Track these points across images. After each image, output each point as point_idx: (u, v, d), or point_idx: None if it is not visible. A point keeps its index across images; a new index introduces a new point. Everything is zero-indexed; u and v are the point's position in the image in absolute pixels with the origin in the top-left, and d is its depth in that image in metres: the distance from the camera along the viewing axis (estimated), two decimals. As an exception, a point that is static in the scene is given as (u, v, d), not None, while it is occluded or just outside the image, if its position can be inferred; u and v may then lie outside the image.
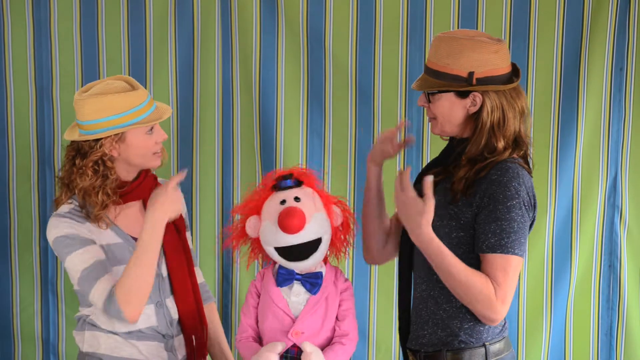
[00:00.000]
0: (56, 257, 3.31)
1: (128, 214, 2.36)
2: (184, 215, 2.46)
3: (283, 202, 2.16)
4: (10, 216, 3.31)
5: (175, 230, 2.38)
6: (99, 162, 2.26)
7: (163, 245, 2.30)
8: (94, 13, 3.19)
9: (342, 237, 2.25)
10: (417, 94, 3.15)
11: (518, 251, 2.04)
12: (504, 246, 2.02)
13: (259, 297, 2.26)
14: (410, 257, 2.25)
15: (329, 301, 2.19)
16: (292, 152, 3.22)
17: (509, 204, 2.02)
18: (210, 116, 3.23)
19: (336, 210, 2.22)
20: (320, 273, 2.20)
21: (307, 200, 2.17)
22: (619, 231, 3.22)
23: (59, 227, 2.27)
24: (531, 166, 2.20)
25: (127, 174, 2.34)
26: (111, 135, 2.24)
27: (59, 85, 3.23)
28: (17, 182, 3.29)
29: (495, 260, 2.03)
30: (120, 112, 2.22)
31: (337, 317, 2.21)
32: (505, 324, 2.20)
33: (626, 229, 3.23)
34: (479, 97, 2.11)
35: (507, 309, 2.06)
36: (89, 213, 2.28)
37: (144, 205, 2.33)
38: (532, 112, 3.09)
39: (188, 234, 2.51)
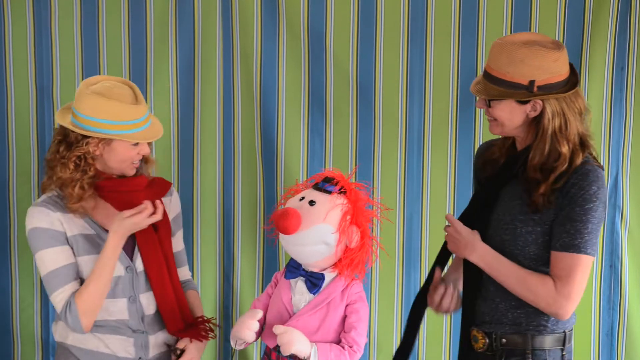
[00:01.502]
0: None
1: (107, 205, 2.41)
2: (172, 216, 2.52)
3: (302, 199, 2.17)
4: (10, 217, 3.30)
5: (153, 227, 2.41)
6: (82, 157, 2.32)
7: (136, 241, 2.38)
8: (94, 12, 3.18)
9: (355, 258, 2.20)
10: (418, 95, 3.16)
11: (590, 251, 2.15)
12: (576, 246, 2.13)
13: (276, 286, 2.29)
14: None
15: (330, 307, 2.18)
16: (293, 153, 3.22)
17: (586, 206, 2.12)
18: (211, 116, 3.22)
19: (353, 232, 2.17)
20: (323, 275, 2.19)
21: (321, 209, 2.15)
22: (620, 231, 3.22)
23: (34, 218, 2.34)
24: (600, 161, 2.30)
25: (103, 171, 2.40)
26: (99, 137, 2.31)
27: (60, 84, 3.22)
28: (17, 182, 3.28)
29: (565, 258, 2.14)
30: (115, 120, 2.29)
31: (343, 329, 2.21)
32: None
33: (627, 228, 3.23)
34: (539, 104, 2.17)
35: (575, 305, 2.18)
36: (65, 204, 2.34)
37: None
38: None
39: (178, 234, 2.58)
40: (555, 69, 2.15)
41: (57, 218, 2.33)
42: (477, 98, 2.28)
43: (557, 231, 2.16)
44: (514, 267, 2.21)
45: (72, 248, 2.35)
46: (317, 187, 2.20)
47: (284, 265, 2.32)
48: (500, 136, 2.39)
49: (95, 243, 2.36)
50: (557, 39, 3.13)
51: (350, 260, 2.18)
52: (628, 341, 3.25)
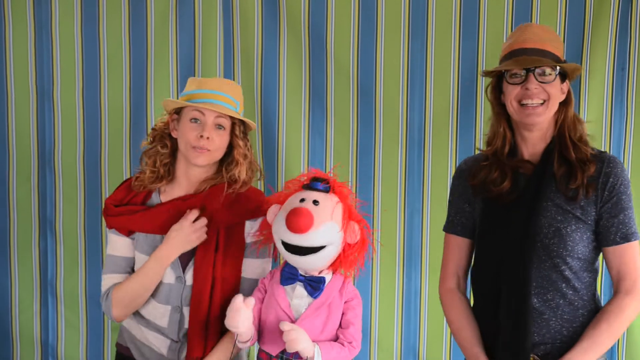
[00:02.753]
0: (56, 258, 3.30)
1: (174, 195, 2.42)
2: (249, 240, 2.39)
3: (302, 200, 2.15)
4: (10, 217, 3.30)
5: (215, 246, 2.35)
6: (162, 132, 2.37)
7: (194, 256, 2.34)
8: (95, 13, 3.19)
9: (355, 255, 2.20)
10: (419, 93, 3.16)
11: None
12: (634, 233, 2.17)
13: (265, 293, 2.25)
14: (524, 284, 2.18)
15: (331, 308, 2.18)
16: (294, 152, 3.22)
17: (628, 192, 2.17)
18: (212, 116, 3.22)
19: (355, 228, 2.17)
20: (323, 278, 2.19)
21: (325, 208, 2.14)
22: (622, 231, 3.21)
23: None
24: None
25: (185, 169, 2.37)
26: (173, 112, 2.36)
27: (60, 86, 3.22)
28: (17, 182, 3.28)
29: (627, 249, 2.15)
30: (183, 92, 2.35)
31: (340, 325, 2.20)
32: None
33: (629, 229, 3.22)
34: (566, 86, 2.21)
35: None
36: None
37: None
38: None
39: (249, 261, 2.39)
40: None
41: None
42: (530, 76, 2.16)
43: (611, 224, 2.15)
44: (597, 333, 2.12)
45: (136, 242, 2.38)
46: (312, 187, 2.18)
47: (270, 271, 2.29)
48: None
49: (152, 245, 2.35)
50: (557, 39, 3.15)
51: (353, 257, 2.18)
52: (629, 341, 3.24)
